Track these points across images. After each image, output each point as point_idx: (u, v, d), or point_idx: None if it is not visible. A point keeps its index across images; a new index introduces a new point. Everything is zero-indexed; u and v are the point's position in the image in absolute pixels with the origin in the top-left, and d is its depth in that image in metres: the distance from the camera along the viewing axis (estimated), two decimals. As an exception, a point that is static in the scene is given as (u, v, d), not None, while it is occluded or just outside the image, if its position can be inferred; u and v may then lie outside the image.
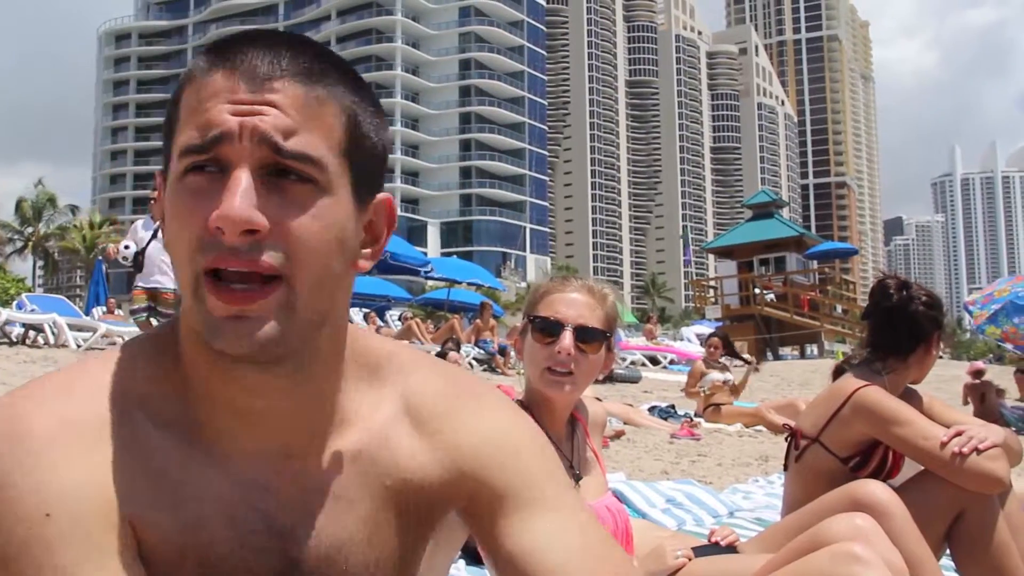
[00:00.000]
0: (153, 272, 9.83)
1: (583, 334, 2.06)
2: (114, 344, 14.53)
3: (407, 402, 1.04)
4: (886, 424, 2.64)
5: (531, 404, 2.11)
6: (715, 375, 8.91)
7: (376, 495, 0.99)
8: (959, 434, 2.56)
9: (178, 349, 0.95)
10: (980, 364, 12.77)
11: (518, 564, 0.98)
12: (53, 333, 12.66)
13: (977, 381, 11.87)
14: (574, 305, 2.09)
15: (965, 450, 2.51)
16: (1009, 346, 10.80)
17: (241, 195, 0.83)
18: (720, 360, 9.12)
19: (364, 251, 0.96)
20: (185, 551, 0.89)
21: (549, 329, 2.06)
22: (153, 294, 9.94)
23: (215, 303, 0.85)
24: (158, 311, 9.91)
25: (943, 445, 2.55)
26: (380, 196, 0.97)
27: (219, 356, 0.87)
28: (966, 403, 11.13)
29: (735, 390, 8.89)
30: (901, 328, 2.85)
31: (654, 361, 18.27)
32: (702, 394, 8.84)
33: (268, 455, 0.94)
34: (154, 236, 9.88)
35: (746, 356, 9.64)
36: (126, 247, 10.04)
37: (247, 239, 0.83)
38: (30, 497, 0.82)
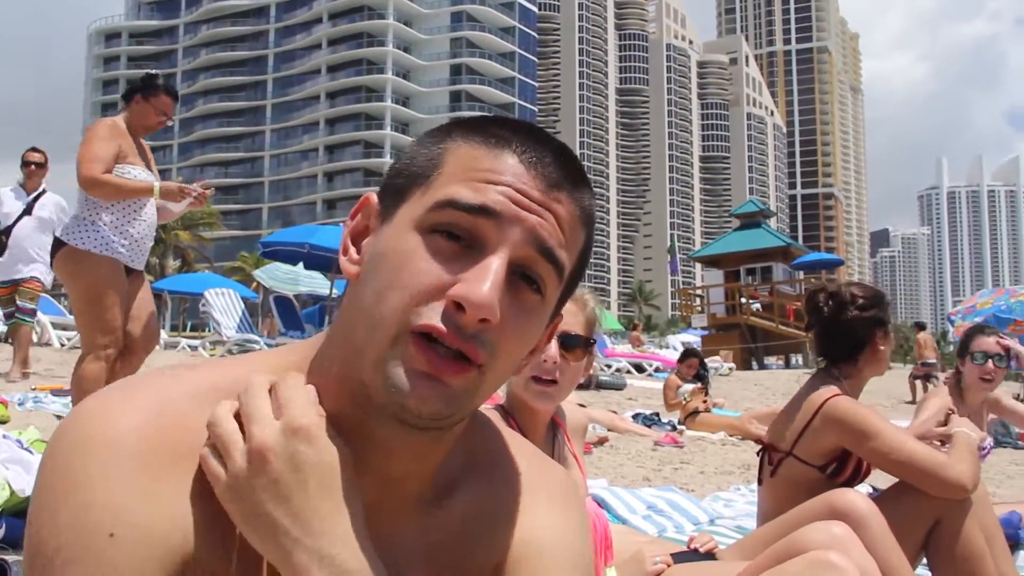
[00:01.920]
0: (19, 260, 8.13)
1: (567, 341, 2.03)
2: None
3: (491, 491, 1.04)
4: (855, 436, 2.67)
5: (512, 409, 2.10)
6: (687, 385, 9.39)
7: (433, 568, 0.99)
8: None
9: (310, 372, 0.95)
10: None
11: None
12: (37, 331, 12.55)
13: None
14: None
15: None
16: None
17: (493, 284, 0.84)
18: (691, 378, 9.72)
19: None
20: None
21: None
22: (13, 288, 8.21)
23: (419, 358, 0.85)
24: (17, 307, 8.26)
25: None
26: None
27: (385, 410, 0.87)
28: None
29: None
30: (840, 339, 2.90)
31: (639, 369, 18.31)
32: (682, 402, 9.01)
33: (364, 500, 0.92)
34: (27, 212, 8.15)
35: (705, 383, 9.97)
36: None
37: (478, 326, 0.85)
38: (100, 512, 0.80)
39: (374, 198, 0.94)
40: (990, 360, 4.17)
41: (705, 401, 9.17)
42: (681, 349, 24.24)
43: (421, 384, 0.85)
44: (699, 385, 9.38)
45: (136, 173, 4.49)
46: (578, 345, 2.04)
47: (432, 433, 0.92)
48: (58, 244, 4.47)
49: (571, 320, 2.04)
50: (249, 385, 0.87)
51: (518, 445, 1.11)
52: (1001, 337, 4.22)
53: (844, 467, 2.75)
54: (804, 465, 2.77)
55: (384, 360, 0.85)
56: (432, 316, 0.84)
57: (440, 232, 0.86)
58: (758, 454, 2.95)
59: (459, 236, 0.86)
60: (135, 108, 4.62)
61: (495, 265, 0.85)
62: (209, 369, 0.95)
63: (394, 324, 0.85)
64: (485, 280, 0.84)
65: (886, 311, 2.95)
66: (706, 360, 22.85)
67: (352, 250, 0.94)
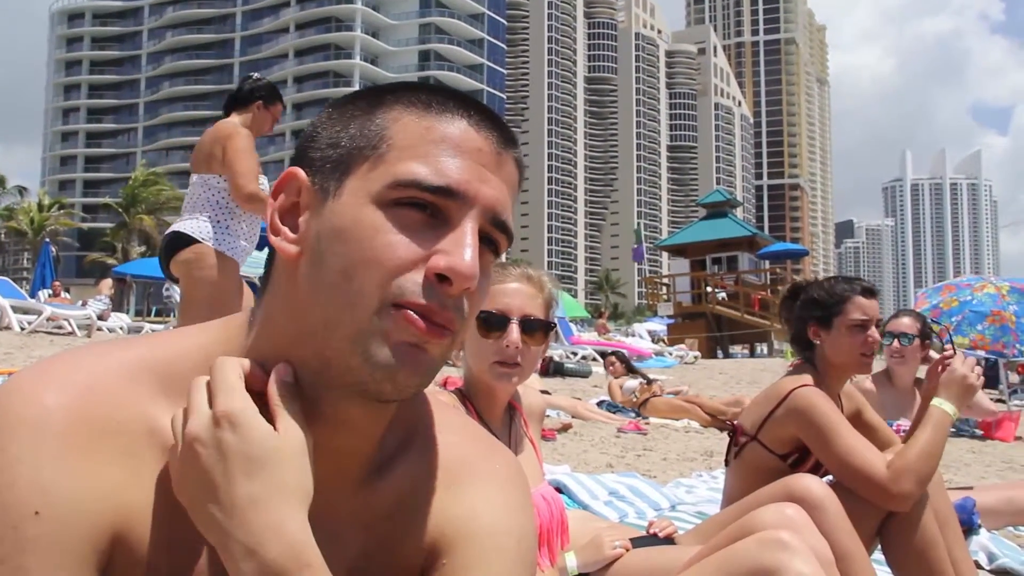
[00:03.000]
0: None
1: (528, 326, 2.01)
2: (60, 327, 14.31)
3: (429, 464, 1.04)
4: (814, 430, 2.68)
5: (470, 394, 2.10)
6: (630, 382, 9.58)
7: (372, 544, 1.00)
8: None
9: (246, 336, 0.95)
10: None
11: None
12: (-4, 315, 12.36)
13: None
14: (517, 295, 2.04)
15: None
16: (980, 352, 11.03)
17: (474, 253, 0.86)
18: (625, 374, 10.02)
19: None
20: (172, 570, 0.87)
21: (495, 323, 2.00)
22: None
23: (403, 325, 0.85)
24: None
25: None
26: None
27: (358, 387, 0.87)
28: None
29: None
30: (793, 335, 3.01)
31: (605, 356, 18.35)
32: (634, 399, 9.21)
33: None
34: None
35: (646, 375, 10.14)
36: None
37: (460, 294, 0.87)
38: (25, 490, 0.79)
39: (302, 174, 0.91)
40: (895, 340, 4.85)
41: (650, 386, 9.42)
42: (647, 338, 24.39)
43: (408, 356, 0.86)
44: (643, 381, 9.56)
45: (267, 185, 4.52)
46: (538, 329, 2.03)
47: (390, 406, 0.94)
48: (185, 239, 4.43)
49: (530, 303, 2.03)
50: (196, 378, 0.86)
51: (458, 423, 1.11)
52: (926, 322, 4.33)
53: (806, 459, 2.76)
54: (767, 452, 2.78)
55: (364, 337, 0.85)
56: (414, 291, 0.85)
57: (404, 205, 0.87)
58: (728, 434, 2.96)
59: (424, 206, 0.87)
60: (256, 114, 4.65)
61: (471, 234, 0.87)
62: (140, 345, 0.94)
63: (374, 300, 0.85)
64: (467, 250, 0.86)
65: (836, 306, 2.93)
66: (672, 348, 22.94)
67: (285, 229, 0.91)
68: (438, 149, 0.88)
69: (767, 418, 2.78)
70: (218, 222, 4.46)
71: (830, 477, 2.73)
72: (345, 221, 0.87)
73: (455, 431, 1.09)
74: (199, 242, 4.40)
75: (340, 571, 0.92)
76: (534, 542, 1.06)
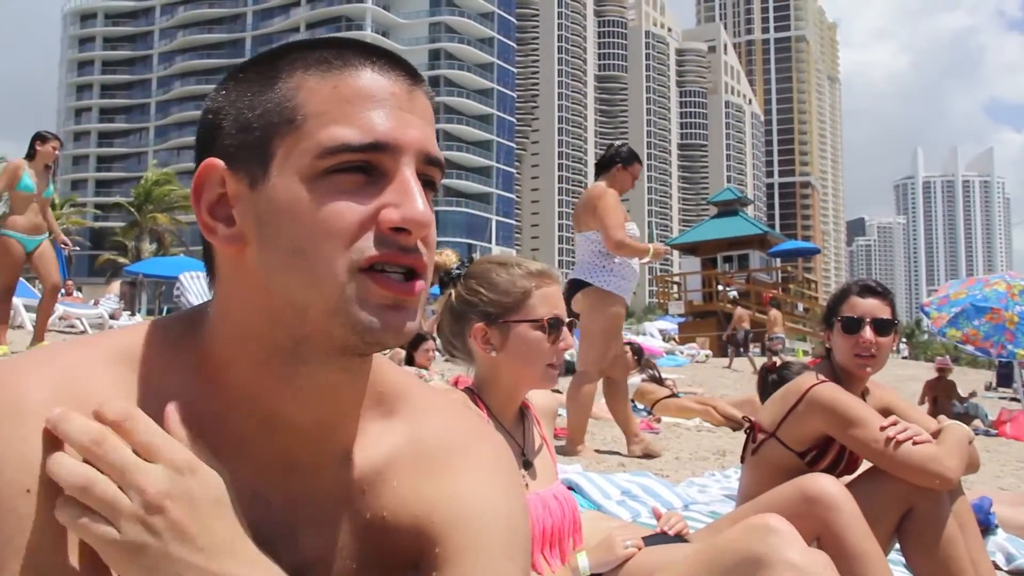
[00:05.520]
0: None
1: (571, 328, 2.17)
2: (72, 326, 14.34)
3: (411, 444, 1.04)
4: (839, 422, 2.66)
5: (482, 391, 2.11)
6: (632, 379, 9.34)
7: (357, 523, 1.00)
8: (895, 424, 2.60)
9: (201, 348, 0.94)
10: (947, 361, 12.99)
11: None
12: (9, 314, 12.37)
13: (938, 376, 12.05)
14: (560, 297, 2.16)
15: (900, 437, 2.54)
16: (969, 347, 10.98)
17: (423, 199, 0.87)
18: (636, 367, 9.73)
19: None
20: None
21: (557, 327, 2.10)
22: None
23: (378, 291, 0.86)
24: None
25: (882, 430, 2.58)
26: None
27: (348, 350, 0.89)
28: (922, 403, 11.30)
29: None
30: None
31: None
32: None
33: (274, 466, 0.95)
34: None
35: (657, 369, 10.08)
36: None
37: (417, 241, 0.88)
38: (14, 470, 0.80)
39: (221, 164, 0.89)
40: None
41: (654, 383, 9.44)
42: (657, 336, 24.34)
43: (389, 316, 0.87)
44: (644, 378, 9.54)
45: (634, 232, 5.77)
46: (573, 326, 2.20)
47: (365, 368, 0.96)
48: (581, 284, 5.66)
49: (560, 307, 2.14)
50: (92, 436, 0.81)
51: (441, 404, 1.11)
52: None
53: (824, 456, 2.75)
54: (785, 449, 2.77)
55: (342, 308, 0.86)
56: (371, 248, 0.86)
57: (338, 171, 0.86)
58: (745, 432, 2.95)
59: (358, 167, 0.87)
60: (617, 175, 5.79)
61: (412, 181, 0.88)
62: (116, 334, 0.95)
63: (340, 271, 0.85)
64: (414, 197, 0.87)
65: (835, 306, 2.91)
66: (683, 347, 22.95)
67: (219, 224, 0.89)
68: (353, 106, 0.87)
69: (787, 415, 2.76)
70: (603, 267, 5.61)
71: (847, 478, 2.71)
72: (284, 202, 0.86)
73: (438, 413, 1.08)
74: (590, 284, 5.61)
75: (328, 552, 0.96)
76: (525, 523, 1.06)
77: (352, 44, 0.92)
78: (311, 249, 0.85)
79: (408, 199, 0.86)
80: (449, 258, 2.24)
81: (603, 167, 5.81)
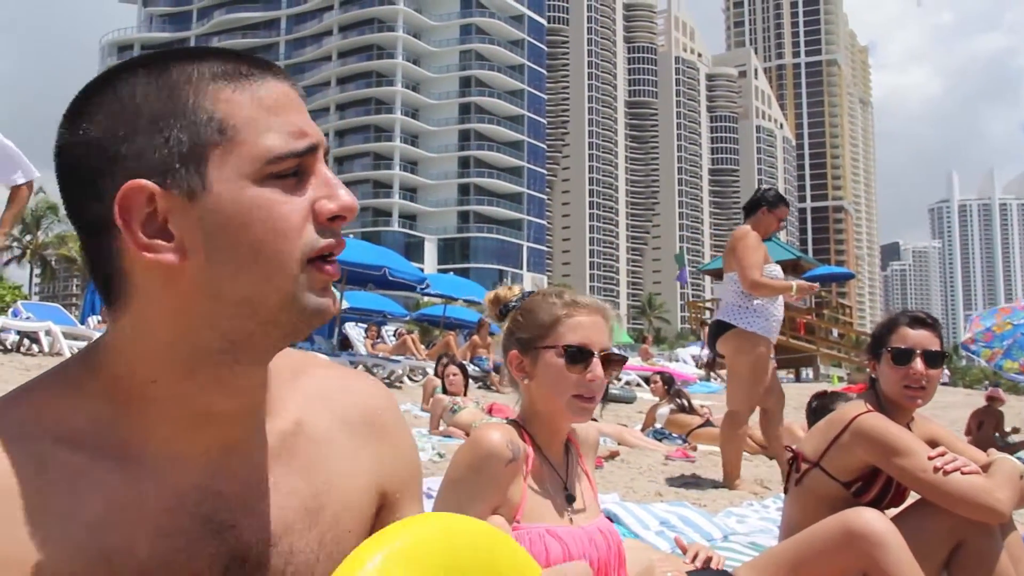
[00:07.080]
0: None
1: (607, 359, 2.06)
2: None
3: (316, 391, 1.11)
4: (885, 452, 2.61)
5: (528, 424, 2.09)
6: (663, 408, 9.50)
7: (314, 480, 1.04)
8: (943, 454, 2.55)
9: (112, 375, 0.95)
10: (999, 392, 12.74)
11: None
12: (48, 341, 12.52)
13: (987, 405, 11.85)
14: (595, 329, 2.07)
15: (948, 468, 2.50)
16: None
17: (344, 187, 0.95)
18: (666, 395, 9.76)
19: None
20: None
21: (580, 357, 2.03)
22: None
23: (320, 277, 0.93)
24: None
25: (930, 460, 2.54)
26: None
27: (291, 332, 0.94)
28: (969, 433, 11.11)
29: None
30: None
31: (649, 382, 18.21)
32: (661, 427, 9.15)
33: (208, 457, 0.97)
34: None
35: (688, 397, 9.91)
36: None
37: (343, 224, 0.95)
38: None
39: (149, 183, 0.88)
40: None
41: (683, 413, 9.30)
42: (691, 363, 24.18)
43: (326, 297, 0.94)
44: (673, 408, 9.43)
45: (776, 272, 5.83)
46: (615, 362, 2.08)
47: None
48: (725, 326, 5.74)
49: (606, 336, 2.08)
50: None
51: (323, 360, 1.20)
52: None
53: (870, 487, 2.69)
54: (829, 479, 2.71)
55: (292, 296, 0.91)
56: (318, 240, 0.92)
57: (278, 176, 0.90)
58: (789, 462, 2.90)
59: (289, 172, 0.91)
60: (763, 218, 5.83)
61: (330, 173, 0.95)
62: (13, 393, 0.97)
63: (295, 264, 0.90)
64: (340, 186, 0.94)
65: (883, 336, 2.89)
66: (718, 372, 22.85)
67: (158, 241, 0.89)
68: (278, 115, 0.92)
69: (831, 445, 2.72)
70: (746, 308, 5.69)
71: (893, 511, 2.67)
72: (233, 208, 0.89)
73: (323, 365, 1.18)
74: (733, 327, 5.67)
75: (295, 517, 1.01)
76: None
77: (248, 57, 0.95)
78: (267, 248, 0.89)
79: (336, 190, 0.93)
80: (512, 291, 2.22)
81: (749, 210, 5.92)
